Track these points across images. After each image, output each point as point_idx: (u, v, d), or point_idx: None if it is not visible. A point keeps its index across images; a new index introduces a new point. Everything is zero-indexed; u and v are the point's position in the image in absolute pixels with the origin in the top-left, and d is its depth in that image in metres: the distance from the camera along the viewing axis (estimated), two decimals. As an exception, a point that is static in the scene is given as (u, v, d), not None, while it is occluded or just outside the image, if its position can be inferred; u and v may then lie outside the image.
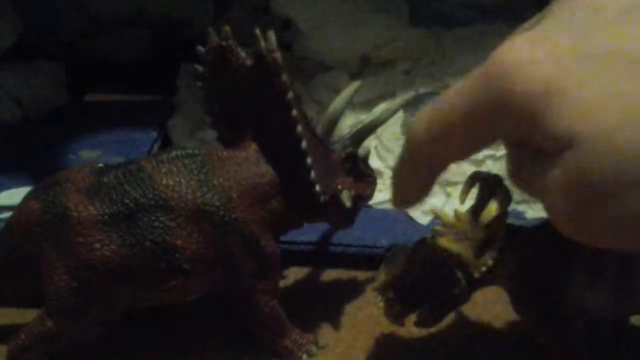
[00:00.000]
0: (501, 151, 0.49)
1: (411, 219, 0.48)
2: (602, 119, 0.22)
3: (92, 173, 0.36)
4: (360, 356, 0.39)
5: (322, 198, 0.36)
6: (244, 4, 0.68)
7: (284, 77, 0.34)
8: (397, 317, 0.35)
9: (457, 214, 0.33)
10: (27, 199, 0.37)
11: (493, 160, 0.50)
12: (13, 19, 0.62)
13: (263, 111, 0.36)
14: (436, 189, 0.49)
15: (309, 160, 0.35)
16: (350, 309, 0.43)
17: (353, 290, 0.44)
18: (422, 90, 0.56)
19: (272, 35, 0.34)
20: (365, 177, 0.40)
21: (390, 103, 0.41)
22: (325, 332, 0.41)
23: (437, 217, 0.34)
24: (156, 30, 0.68)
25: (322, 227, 0.44)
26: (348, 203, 0.38)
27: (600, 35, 0.23)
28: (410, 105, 0.51)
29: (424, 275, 0.34)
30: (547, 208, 0.25)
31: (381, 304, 0.35)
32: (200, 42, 0.37)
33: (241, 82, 0.36)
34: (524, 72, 0.23)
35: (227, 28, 0.36)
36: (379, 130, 0.43)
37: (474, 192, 0.33)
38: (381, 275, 0.34)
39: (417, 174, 0.29)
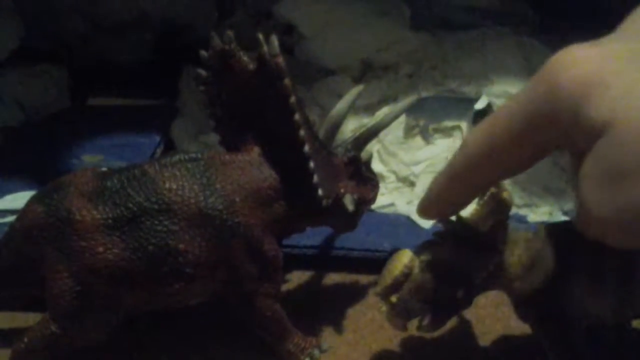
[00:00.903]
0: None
1: (414, 223, 0.48)
2: (636, 104, 0.22)
3: (95, 177, 0.36)
4: (362, 360, 0.39)
5: (324, 202, 0.36)
6: (246, 8, 0.68)
7: (287, 82, 0.34)
8: (399, 321, 0.35)
9: (459, 218, 0.33)
10: (30, 202, 0.37)
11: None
12: (16, 23, 0.62)
13: (266, 115, 0.36)
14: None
15: (311, 164, 0.35)
16: (352, 312, 0.43)
17: (356, 294, 0.44)
18: (424, 94, 0.56)
19: (274, 39, 0.34)
20: (367, 181, 0.40)
21: (392, 107, 0.41)
22: (328, 336, 0.41)
23: (439, 221, 0.34)
24: (159, 35, 0.68)
25: (324, 230, 0.44)
26: (351, 207, 0.38)
27: None
28: (413, 109, 0.51)
29: (427, 279, 0.34)
30: (579, 207, 0.24)
31: (384, 308, 0.35)
32: (203, 46, 0.37)
33: (244, 87, 0.36)
34: (569, 69, 0.24)
35: (229, 32, 0.36)
36: (382, 134, 0.43)
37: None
38: (384, 279, 0.34)
39: (465, 187, 0.28)
